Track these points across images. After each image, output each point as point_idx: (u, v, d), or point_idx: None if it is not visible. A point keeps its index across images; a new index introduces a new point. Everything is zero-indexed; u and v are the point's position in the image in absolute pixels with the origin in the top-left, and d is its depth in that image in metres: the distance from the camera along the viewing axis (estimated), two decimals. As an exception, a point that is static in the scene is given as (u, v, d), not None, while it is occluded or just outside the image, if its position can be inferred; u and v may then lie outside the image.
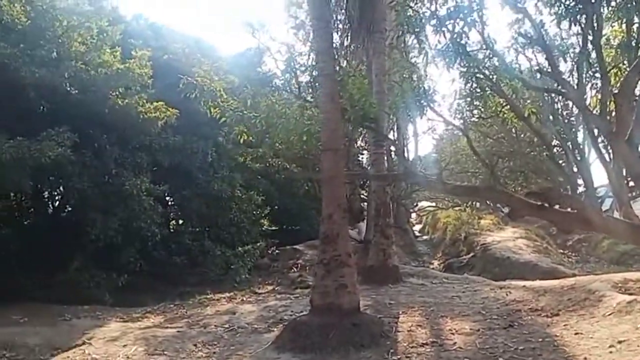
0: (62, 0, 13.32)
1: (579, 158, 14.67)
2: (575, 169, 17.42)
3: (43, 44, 12.57)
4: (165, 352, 7.97)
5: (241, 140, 10.64)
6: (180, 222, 16.97)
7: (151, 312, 11.19)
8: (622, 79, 7.23)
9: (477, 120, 18.15)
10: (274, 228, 23.43)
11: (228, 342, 8.50)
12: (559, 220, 8.10)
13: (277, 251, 19.09)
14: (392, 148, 15.04)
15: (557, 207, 7.64)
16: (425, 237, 33.51)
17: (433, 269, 20.46)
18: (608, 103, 7.53)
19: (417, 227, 40.64)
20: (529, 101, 15.75)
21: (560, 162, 20.69)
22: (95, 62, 13.00)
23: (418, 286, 12.51)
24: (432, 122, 34.03)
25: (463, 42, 8.71)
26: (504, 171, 35.03)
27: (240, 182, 17.69)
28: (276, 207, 22.00)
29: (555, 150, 20.83)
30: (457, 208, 29.44)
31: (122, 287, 13.22)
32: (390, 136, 27.91)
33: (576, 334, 7.63)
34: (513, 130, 27.29)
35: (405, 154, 30.28)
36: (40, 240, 12.75)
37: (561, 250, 24.13)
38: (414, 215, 45.97)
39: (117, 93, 13.20)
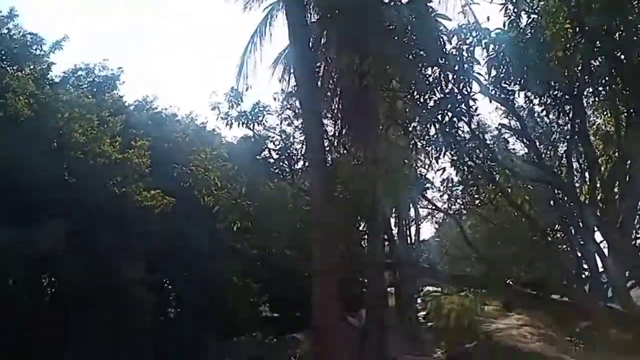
0: (66, 92, 13.76)
1: (582, 243, 14.49)
2: (579, 254, 17.07)
3: (44, 135, 12.89)
4: None
5: (234, 228, 10.63)
6: (175, 310, 16.64)
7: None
8: (609, 169, 7.27)
9: (473, 207, 18.12)
10: (276, 315, 22.96)
11: None
12: (555, 310, 7.89)
13: (274, 340, 18.55)
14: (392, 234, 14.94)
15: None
16: (429, 324, 32.64)
17: (435, 358, 19.86)
18: (598, 192, 7.53)
19: (422, 314, 39.79)
20: (530, 187, 15.62)
21: (565, 246, 20.49)
22: (94, 152, 13.25)
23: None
24: (431, 208, 33.78)
25: (452, 131, 8.88)
26: (508, 256, 34.48)
27: (236, 269, 17.51)
28: (277, 293, 21.64)
29: (559, 235, 20.74)
30: (462, 293, 28.80)
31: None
32: (393, 222, 27.89)
33: None
34: (514, 214, 27.20)
35: (408, 240, 30.05)
36: (35, 329, 12.56)
37: (569, 338, 23.42)
38: (419, 300, 45.16)
39: (114, 182, 13.37)
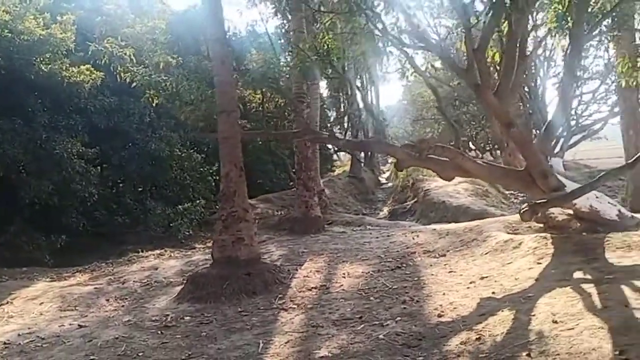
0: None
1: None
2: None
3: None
4: (77, 308, 8.53)
5: (154, 103, 11.03)
6: (121, 182, 17.30)
7: (80, 271, 11.71)
8: (480, 35, 7.67)
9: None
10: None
11: (139, 296, 9.05)
12: (438, 169, 8.65)
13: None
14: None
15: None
16: (390, 185, 34.26)
17: (378, 216, 21.22)
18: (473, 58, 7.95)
19: (385, 175, 41.61)
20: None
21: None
22: (17, 29, 13.14)
23: (338, 234, 13.12)
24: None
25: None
26: (467, 116, 35.79)
27: (180, 141, 18.07)
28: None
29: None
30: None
31: (63, 248, 13.75)
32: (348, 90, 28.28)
33: (450, 272, 8.29)
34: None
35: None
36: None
37: (512, 191, 24.95)
38: (391, 160, 46.97)
39: (42, 59, 13.42)
